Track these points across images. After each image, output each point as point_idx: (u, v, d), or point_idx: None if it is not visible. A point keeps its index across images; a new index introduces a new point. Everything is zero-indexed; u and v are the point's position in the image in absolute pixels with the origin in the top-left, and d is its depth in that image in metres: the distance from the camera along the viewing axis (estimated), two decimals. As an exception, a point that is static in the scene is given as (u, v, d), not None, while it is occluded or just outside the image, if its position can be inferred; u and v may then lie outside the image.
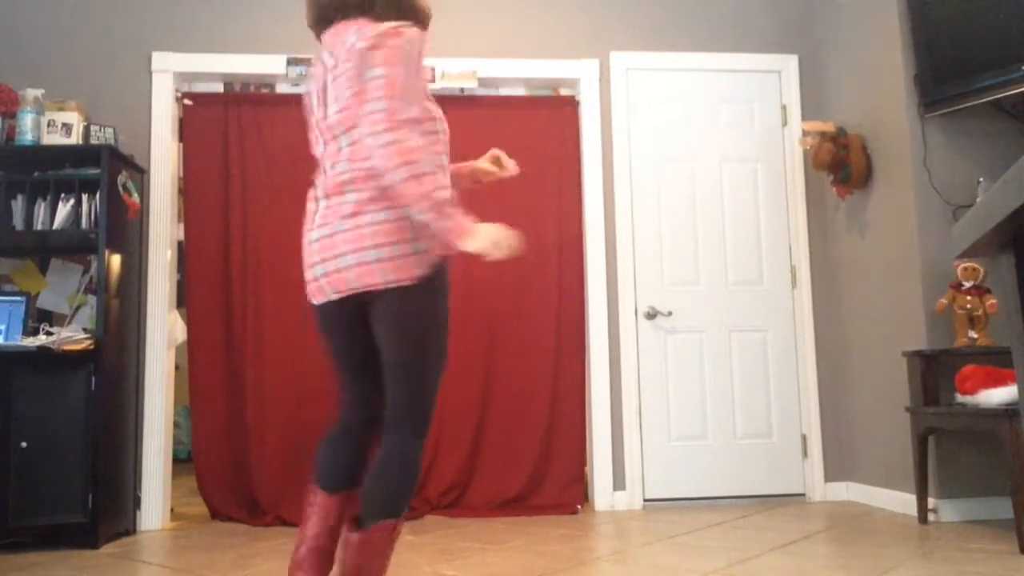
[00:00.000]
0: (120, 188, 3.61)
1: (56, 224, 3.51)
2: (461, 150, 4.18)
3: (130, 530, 3.67)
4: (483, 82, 4.21)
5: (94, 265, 3.75)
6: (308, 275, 1.98)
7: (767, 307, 4.22)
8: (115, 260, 3.58)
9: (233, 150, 4.08)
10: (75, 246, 3.73)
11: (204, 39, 4.08)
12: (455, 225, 1.77)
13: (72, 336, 3.41)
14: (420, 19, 1.99)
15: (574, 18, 4.30)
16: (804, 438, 4.15)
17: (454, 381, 4.04)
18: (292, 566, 1.92)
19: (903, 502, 3.62)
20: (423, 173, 1.74)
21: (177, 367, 4.24)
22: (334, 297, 1.93)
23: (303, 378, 3.95)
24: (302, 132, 4.12)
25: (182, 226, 4.07)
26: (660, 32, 4.34)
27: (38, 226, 3.53)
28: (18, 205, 3.57)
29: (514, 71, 4.21)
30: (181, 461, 5.92)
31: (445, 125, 1.97)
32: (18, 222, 3.55)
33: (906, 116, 3.63)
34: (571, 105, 4.33)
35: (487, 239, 1.78)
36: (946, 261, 3.52)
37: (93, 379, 3.37)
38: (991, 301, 3.34)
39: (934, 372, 3.40)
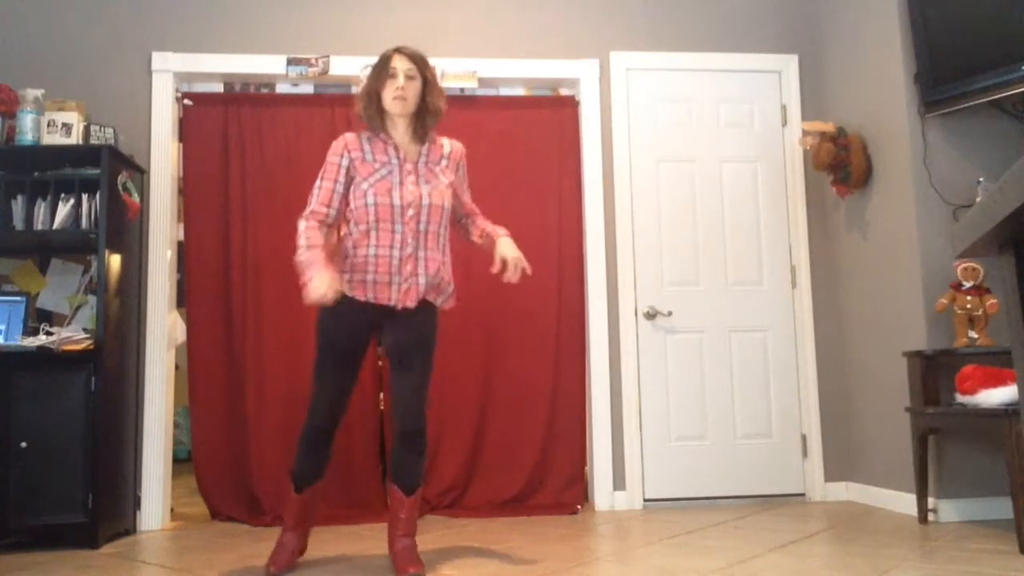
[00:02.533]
0: (120, 188, 3.60)
1: (56, 224, 3.51)
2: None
3: (130, 530, 3.67)
4: (483, 82, 4.21)
5: (94, 265, 3.75)
6: None
7: (767, 307, 4.22)
8: (115, 260, 3.58)
9: (233, 150, 4.07)
10: (75, 246, 3.73)
11: (204, 39, 4.08)
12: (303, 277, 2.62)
13: (72, 336, 3.41)
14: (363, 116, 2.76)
15: (574, 18, 4.30)
16: (804, 438, 4.15)
17: (454, 381, 4.04)
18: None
19: (903, 502, 3.62)
20: (299, 245, 2.67)
21: (177, 367, 4.24)
22: None
23: (303, 378, 3.94)
24: (302, 132, 4.12)
25: (182, 226, 4.07)
26: (660, 32, 4.34)
27: (38, 226, 3.53)
28: (18, 205, 3.56)
29: (514, 71, 4.21)
30: (181, 461, 5.91)
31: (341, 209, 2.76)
32: (18, 222, 3.55)
33: (906, 116, 3.63)
34: (571, 105, 4.33)
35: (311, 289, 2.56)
36: (946, 261, 3.52)
37: (93, 379, 3.37)
38: (991, 301, 3.34)
39: (934, 372, 3.40)
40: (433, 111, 2.74)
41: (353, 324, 2.67)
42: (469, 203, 2.94)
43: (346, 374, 2.68)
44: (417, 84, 2.70)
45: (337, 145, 2.73)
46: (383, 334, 2.75)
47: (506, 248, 2.73)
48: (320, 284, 2.51)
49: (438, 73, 4.11)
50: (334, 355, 2.67)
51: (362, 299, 2.64)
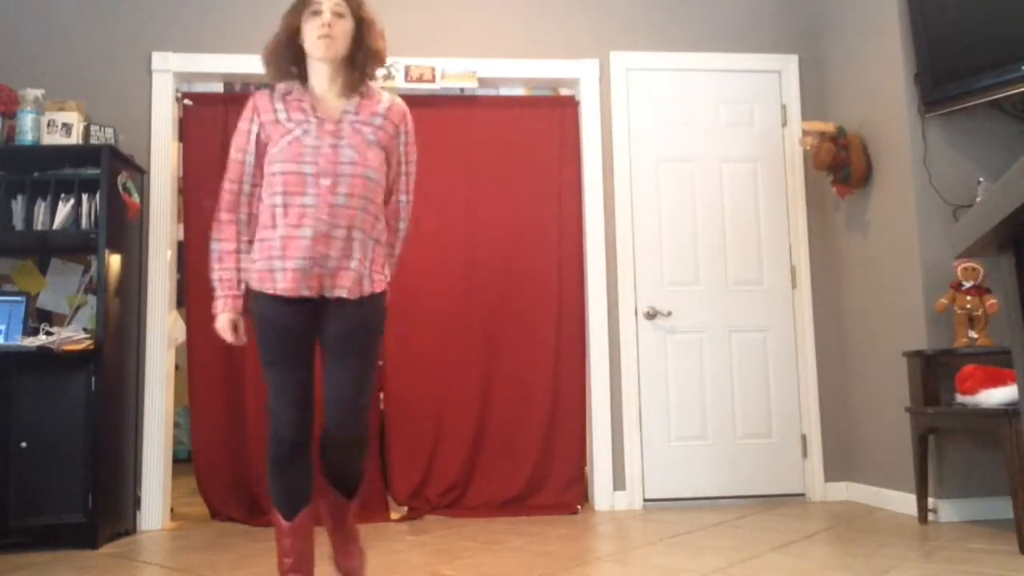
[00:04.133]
0: (120, 188, 3.61)
1: (56, 224, 3.51)
2: (461, 150, 4.19)
3: (130, 530, 3.67)
4: (483, 82, 4.20)
5: (94, 265, 3.75)
6: None
7: (767, 307, 4.22)
8: (115, 260, 3.58)
9: (233, 150, 4.07)
10: (75, 246, 3.73)
11: (204, 39, 4.08)
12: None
13: (72, 336, 3.41)
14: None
15: (574, 18, 4.30)
16: (804, 438, 4.15)
17: (454, 381, 4.04)
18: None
19: (903, 502, 3.62)
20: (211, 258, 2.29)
21: (177, 367, 4.24)
22: None
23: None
24: (302, 132, 4.11)
25: (182, 226, 4.07)
26: (660, 32, 4.34)
27: (38, 226, 3.53)
28: (18, 205, 3.56)
29: (514, 71, 4.21)
30: (181, 461, 5.91)
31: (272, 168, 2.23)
32: (18, 222, 3.55)
33: (906, 116, 3.63)
34: (571, 105, 4.33)
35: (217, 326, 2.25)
36: (946, 261, 3.52)
37: (93, 379, 3.37)
38: (991, 301, 3.34)
39: (934, 372, 3.40)
40: (373, 55, 2.27)
41: (284, 317, 2.19)
42: (404, 186, 2.38)
43: (298, 366, 2.20)
44: (347, 24, 2.23)
45: (246, 109, 2.27)
46: (320, 325, 2.23)
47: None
48: (223, 326, 2.22)
49: (438, 72, 4.15)
50: (276, 350, 2.20)
51: (270, 292, 2.16)
